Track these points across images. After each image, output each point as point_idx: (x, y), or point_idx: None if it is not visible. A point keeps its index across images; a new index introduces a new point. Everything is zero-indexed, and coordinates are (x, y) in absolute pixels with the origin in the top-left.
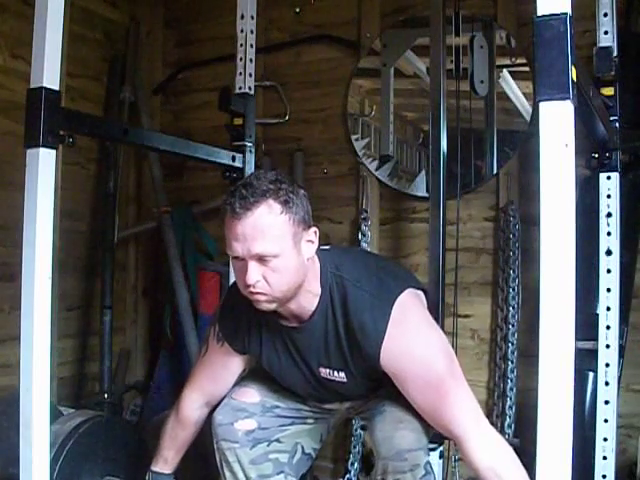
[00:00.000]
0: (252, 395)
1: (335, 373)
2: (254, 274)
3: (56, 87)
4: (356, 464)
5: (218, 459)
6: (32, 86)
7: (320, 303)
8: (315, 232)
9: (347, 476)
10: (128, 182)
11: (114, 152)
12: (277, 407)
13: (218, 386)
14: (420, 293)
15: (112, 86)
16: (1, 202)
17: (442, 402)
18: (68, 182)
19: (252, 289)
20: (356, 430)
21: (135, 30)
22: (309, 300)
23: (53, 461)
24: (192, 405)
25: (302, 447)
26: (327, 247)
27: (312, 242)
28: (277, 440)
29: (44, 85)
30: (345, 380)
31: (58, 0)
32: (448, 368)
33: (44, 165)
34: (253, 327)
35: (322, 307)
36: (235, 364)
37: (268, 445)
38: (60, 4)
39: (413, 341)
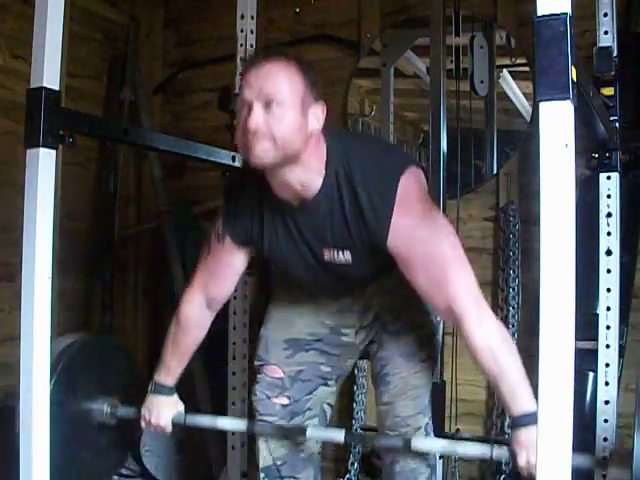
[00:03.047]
0: (277, 371)
1: (340, 254)
2: (258, 116)
3: (56, 87)
4: (356, 464)
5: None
6: (32, 86)
7: (325, 182)
8: (323, 110)
9: (347, 476)
10: (128, 182)
11: (114, 152)
12: (300, 372)
13: (219, 285)
14: (421, 172)
15: (112, 86)
16: (1, 202)
17: (446, 281)
18: (68, 182)
19: (254, 133)
20: (356, 430)
21: (135, 30)
22: (313, 178)
23: None
24: (192, 306)
25: (327, 405)
26: (334, 132)
27: (318, 118)
28: (308, 409)
29: (44, 85)
30: (350, 261)
31: (58, 0)
32: (453, 249)
33: (44, 165)
34: (255, 215)
35: (327, 187)
36: (236, 261)
37: (303, 416)
38: (60, 4)
39: (420, 221)
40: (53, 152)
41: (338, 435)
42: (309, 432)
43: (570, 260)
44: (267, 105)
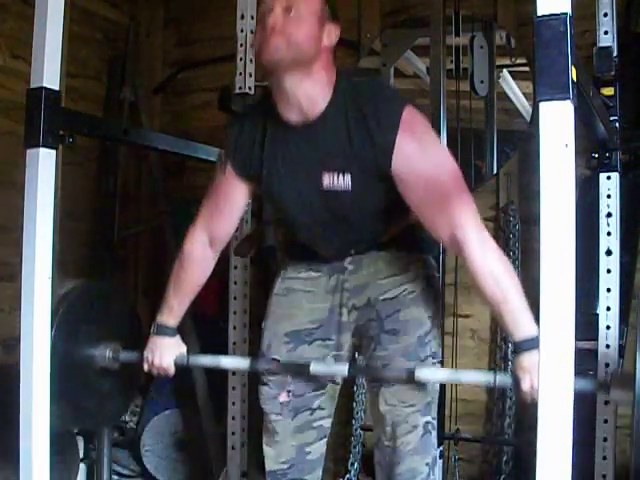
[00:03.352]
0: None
1: (340, 178)
2: (278, 16)
3: (56, 87)
4: (356, 464)
5: (263, 432)
6: (32, 86)
7: (332, 101)
8: (337, 30)
9: (347, 476)
10: (128, 182)
11: (114, 152)
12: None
13: (221, 221)
14: None
15: (112, 86)
16: (1, 202)
17: (449, 205)
18: (68, 182)
19: (271, 29)
20: (356, 430)
21: (135, 30)
22: (320, 94)
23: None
24: (195, 244)
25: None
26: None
27: (332, 36)
28: (319, 407)
29: (44, 85)
30: (349, 187)
31: (58, 0)
32: (457, 177)
33: (44, 165)
34: (257, 142)
35: (333, 105)
36: (237, 193)
37: (311, 414)
38: (60, 4)
39: (424, 146)
40: (53, 152)
41: (342, 369)
42: (312, 367)
43: (570, 260)
44: (287, 10)
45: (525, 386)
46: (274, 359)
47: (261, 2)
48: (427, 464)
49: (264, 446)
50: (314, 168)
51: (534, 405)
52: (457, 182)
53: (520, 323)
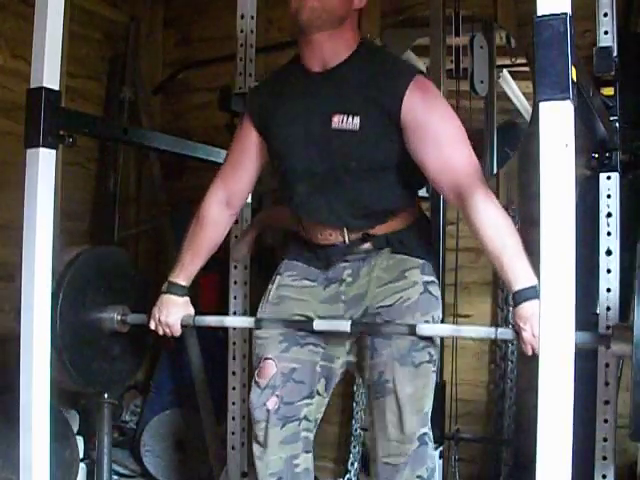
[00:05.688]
0: (270, 367)
1: (349, 119)
2: None
3: (56, 87)
4: (356, 464)
5: (253, 441)
6: (32, 86)
7: (354, 54)
8: None
9: (347, 476)
10: (128, 182)
11: (114, 152)
12: (294, 370)
13: (238, 176)
14: None
15: (112, 86)
16: (1, 202)
17: (455, 156)
18: (68, 182)
19: None
20: (356, 430)
21: (135, 30)
22: (342, 46)
23: (54, 296)
24: (212, 202)
25: (319, 415)
26: None
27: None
28: (305, 418)
29: (44, 85)
30: (357, 128)
31: (58, 0)
32: (462, 132)
33: (44, 165)
34: (276, 90)
35: (355, 57)
36: (253, 149)
37: (299, 424)
38: (60, 4)
39: (433, 99)
40: (53, 152)
41: (344, 325)
42: (316, 324)
43: (570, 260)
44: None
45: (527, 335)
46: (276, 319)
47: None
48: (427, 468)
49: (254, 458)
50: (326, 109)
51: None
52: (462, 137)
53: (520, 273)
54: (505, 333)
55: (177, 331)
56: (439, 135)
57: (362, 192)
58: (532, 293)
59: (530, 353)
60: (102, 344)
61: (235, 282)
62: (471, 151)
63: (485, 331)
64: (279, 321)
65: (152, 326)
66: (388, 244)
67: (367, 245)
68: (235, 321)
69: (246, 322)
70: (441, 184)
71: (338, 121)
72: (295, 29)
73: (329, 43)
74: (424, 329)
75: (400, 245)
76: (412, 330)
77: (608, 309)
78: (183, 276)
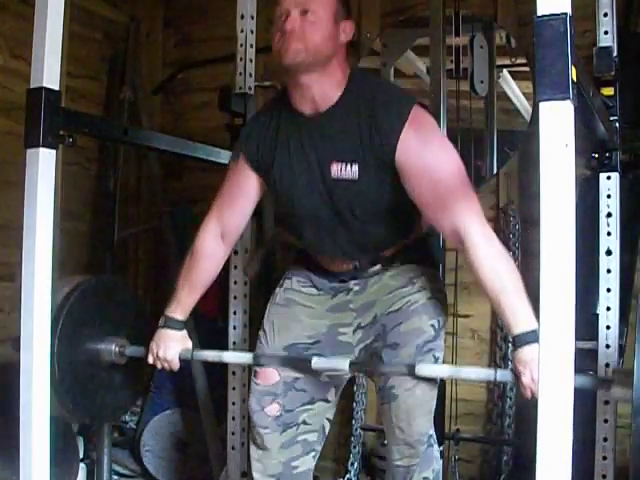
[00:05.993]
0: (273, 375)
1: (347, 167)
2: (295, 20)
3: (56, 87)
4: (356, 464)
5: (251, 442)
6: (32, 86)
7: (344, 95)
8: (352, 27)
9: (347, 476)
10: (128, 182)
11: (114, 152)
12: (296, 379)
13: (233, 211)
14: None
15: (112, 86)
16: (1, 202)
17: (453, 199)
18: (68, 182)
19: (290, 34)
20: (356, 430)
21: (135, 30)
22: (333, 86)
23: (52, 327)
24: (206, 236)
25: (327, 420)
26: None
27: (347, 32)
28: (304, 422)
29: (44, 85)
30: (357, 177)
31: (58, 0)
32: (461, 171)
33: (44, 165)
34: (270, 131)
35: (346, 99)
36: (249, 184)
37: (297, 429)
38: (60, 4)
39: (430, 138)
40: (53, 152)
41: (342, 364)
42: (314, 362)
43: (570, 260)
44: (303, 13)
45: (526, 380)
46: (275, 355)
47: (276, 4)
48: (433, 470)
49: (252, 460)
50: (323, 157)
51: (534, 401)
52: (461, 177)
53: (520, 316)
54: (504, 375)
55: (175, 366)
56: (435, 176)
57: (369, 232)
58: (532, 337)
59: (529, 396)
60: (100, 376)
61: (235, 282)
62: (469, 188)
63: (485, 373)
64: (277, 358)
65: (150, 360)
66: (397, 260)
67: (377, 267)
68: (234, 356)
69: (244, 358)
70: (440, 223)
71: (337, 170)
72: (280, 71)
73: (318, 85)
74: (423, 369)
75: (408, 257)
76: (411, 370)
77: (608, 309)
78: (180, 310)
